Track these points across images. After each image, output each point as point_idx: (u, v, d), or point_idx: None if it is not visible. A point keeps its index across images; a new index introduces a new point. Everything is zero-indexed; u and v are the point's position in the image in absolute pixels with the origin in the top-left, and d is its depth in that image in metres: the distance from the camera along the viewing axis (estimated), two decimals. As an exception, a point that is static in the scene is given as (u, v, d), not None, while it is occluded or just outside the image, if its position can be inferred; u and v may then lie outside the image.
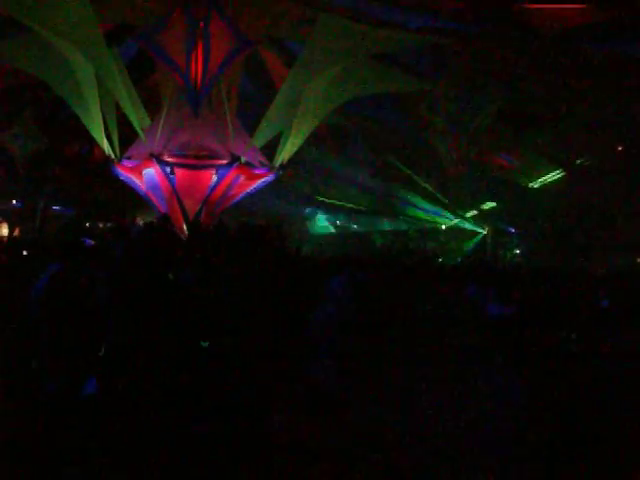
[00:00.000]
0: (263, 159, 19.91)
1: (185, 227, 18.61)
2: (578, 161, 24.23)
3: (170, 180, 18.75)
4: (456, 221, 28.76)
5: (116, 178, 20.19)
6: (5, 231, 28.17)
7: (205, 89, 16.20)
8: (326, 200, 29.20)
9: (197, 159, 19.10)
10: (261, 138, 19.52)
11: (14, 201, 28.24)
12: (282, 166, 19.96)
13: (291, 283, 8.00)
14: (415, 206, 28.28)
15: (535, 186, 26.39)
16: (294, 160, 20.84)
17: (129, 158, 19.51)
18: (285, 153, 19.70)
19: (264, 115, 18.93)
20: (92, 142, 20.19)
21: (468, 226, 28.65)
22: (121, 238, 16.37)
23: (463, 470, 3.30)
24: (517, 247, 29.01)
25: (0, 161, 24.33)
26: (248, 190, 20.30)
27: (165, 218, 17.35)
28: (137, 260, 9.58)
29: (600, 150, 22.85)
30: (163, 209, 19.36)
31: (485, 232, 28.41)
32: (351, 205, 29.17)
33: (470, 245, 28.80)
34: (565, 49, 16.05)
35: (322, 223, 31.12)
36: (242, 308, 6.80)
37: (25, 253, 12.74)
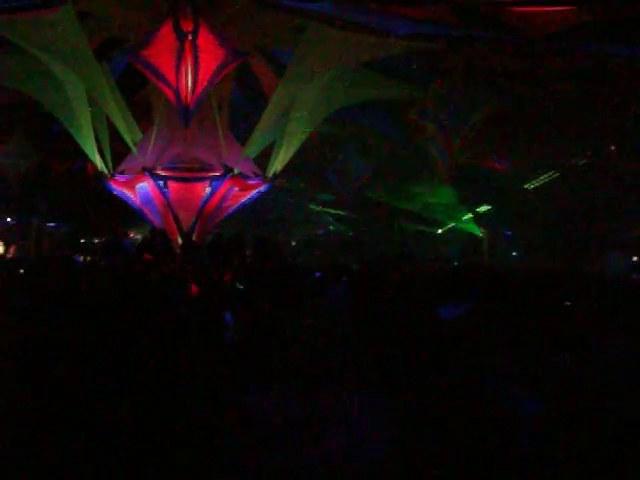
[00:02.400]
0: (256, 169, 19.90)
1: (180, 240, 18.60)
2: (572, 162, 24.24)
3: (164, 193, 18.73)
4: (450, 225, 28.81)
5: (110, 193, 20.17)
6: (0, 249, 28.14)
7: (195, 103, 16.18)
8: (320, 208, 29.24)
9: (190, 172, 19.10)
10: (254, 148, 19.53)
11: (8, 219, 28.24)
12: (275, 176, 19.96)
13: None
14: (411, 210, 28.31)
15: (530, 187, 26.38)
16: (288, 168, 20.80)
17: (122, 173, 19.49)
18: (278, 163, 19.70)
19: (256, 125, 18.96)
20: (85, 158, 20.16)
21: (466, 228, 28.61)
22: (111, 253, 16.45)
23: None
24: (513, 249, 29.04)
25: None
26: (242, 201, 20.29)
27: (161, 232, 17.40)
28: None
29: (593, 150, 22.91)
30: (157, 223, 19.35)
31: (481, 235, 28.42)
32: (344, 212, 29.21)
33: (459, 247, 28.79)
34: (555, 51, 16.07)
35: None
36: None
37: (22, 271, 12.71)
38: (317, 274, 12.21)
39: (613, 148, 22.96)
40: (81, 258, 18.07)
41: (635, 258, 25.06)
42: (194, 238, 18.49)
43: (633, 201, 22.20)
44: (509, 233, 28.70)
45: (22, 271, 12.49)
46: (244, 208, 21.07)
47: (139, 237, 24.56)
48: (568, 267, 22.02)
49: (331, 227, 31.42)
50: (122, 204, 20.66)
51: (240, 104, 22.25)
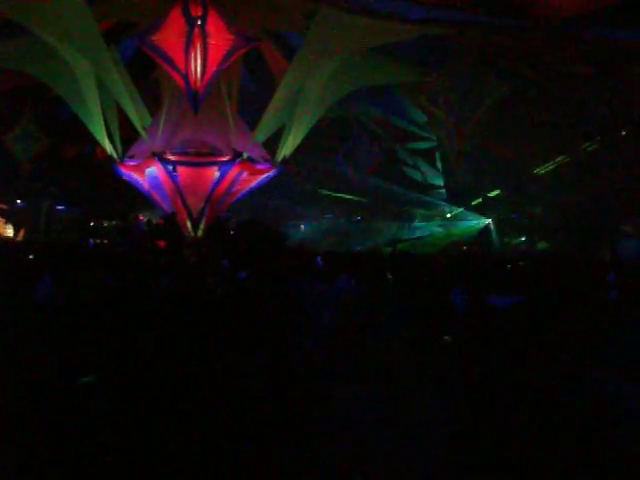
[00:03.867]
0: (265, 154, 19.86)
1: (189, 225, 18.65)
2: (583, 147, 24.07)
3: (173, 178, 18.74)
4: (459, 210, 28.75)
5: (119, 177, 20.18)
6: (10, 232, 28.22)
7: (205, 88, 16.13)
8: (329, 193, 29.14)
9: (199, 156, 19.10)
10: (263, 133, 19.47)
11: (18, 201, 28.29)
12: (284, 161, 19.92)
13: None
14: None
15: (540, 173, 26.21)
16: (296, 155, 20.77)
17: (131, 157, 19.50)
18: (287, 147, 19.65)
19: (265, 110, 18.89)
20: (94, 142, 20.17)
21: (471, 216, 28.63)
22: (125, 236, 16.61)
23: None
24: (522, 234, 28.97)
25: (3, 162, 24.31)
26: (251, 185, 20.28)
27: (172, 216, 17.49)
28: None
29: (602, 136, 22.75)
30: (167, 207, 19.39)
31: (490, 220, 28.34)
32: (354, 197, 29.09)
33: (474, 233, 28.74)
34: (565, 37, 15.95)
35: None
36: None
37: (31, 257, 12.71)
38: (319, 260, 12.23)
39: (623, 133, 22.79)
40: (92, 241, 18.10)
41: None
42: (204, 223, 18.59)
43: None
44: (518, 217, 28.61)
45: (32, 257, 12.56)
46: (253, 192, 21.07)
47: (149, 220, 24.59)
48: (579, 252, 22.03)
49: (339, 211, 31.34)
50: (131, 188, 20.70)
51: (249, 89, 22.16)
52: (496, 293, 6.83)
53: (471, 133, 21.37)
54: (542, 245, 27.70)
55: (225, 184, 19.03)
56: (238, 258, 10.77)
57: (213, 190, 18.86)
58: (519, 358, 5.10)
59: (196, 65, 16.05)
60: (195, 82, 15.96)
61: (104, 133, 18.90)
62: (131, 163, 19.50)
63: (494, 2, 15.69)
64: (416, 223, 30.12)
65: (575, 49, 17.00)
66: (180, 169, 18.81)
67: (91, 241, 17.58)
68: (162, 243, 14.38)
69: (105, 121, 18.72)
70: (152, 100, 20.32)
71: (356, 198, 29.11)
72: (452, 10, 16.35)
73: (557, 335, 5.57)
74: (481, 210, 28.43)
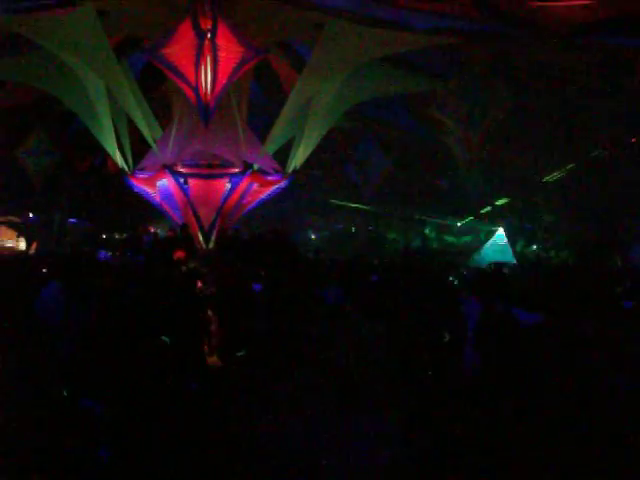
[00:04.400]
0: (276, 165, 19.92)
1: (201, 237, 18.70)
2: (593, 154, 24.00)
3: (184, 190, 18.84)
4: (469, 219, 28.73)
5: (130, 189, 20.28)
6: (23, 245, 28.40)
7: (215, 101, 16.15)
8: (339, 203, 29.17)
9: (210, 168, 19.20)
10: (273, 144, 19.53)
11: (30, 214, 28.47)
12: (295, 172, 19.97)
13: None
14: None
15: (550, 180, 26.16)
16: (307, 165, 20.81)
17: (142, 170, 19.60)
18: (297, 159, 19.71)
19: (275, 121, 18.95)
20: (105, 154, 20.30)
21: (481, 225, 28.59)
22: (134, 248, 16.71)
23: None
24: (533, 243, 28.91)
25: (16, 176, 24.46)
26: (262, 197, 20.35)
27: (185, 228, 17.59)
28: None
29: (613, 143, 22.69)
30: (178, 219, 19.48)
31: (500, 229, 28.27)
32: (364, 207, 29.09)
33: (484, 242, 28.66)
34: (575, 45, 15.92)
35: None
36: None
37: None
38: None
39: (634, 140, 22.72)
40: (108, 254, 18.20)
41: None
42: (214, 235, 18.66)
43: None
44: (530, 227, 28.56)
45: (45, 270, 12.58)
46: (264, 203, 21.14)
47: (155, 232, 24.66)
48: (590, 260, 21.96)
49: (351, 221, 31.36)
50: (142, 200, 20.80)
51: (259, 100, 22.22)
52: (519, 306, 6.72)
53: (481, 142, 21.30)
54: (552, 253, 27.65)
55: (236, 196, 19.11)
56: (252, 269, 10.80)
57: (224, 202, 18.94)
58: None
59: (206, 78, 16.08)
60: (205, 95, 15.99)
61: (115, 146, 19.04)
62: (142, 176, 19.63)
63: (501, 13, 15.65)
64: (427, 233, 30.15)
65: (584, 58, 16.99)
66: (191, 181, 18.94)
67: (102, 253, 17.61)
68: (180, 254, 14.46)
69: (116, 134, 18.85)
70: (162, 113, 20.43)
71: (367, 208, 29.14)
72: (461, 20, 16.34)
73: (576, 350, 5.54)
74: (491, 219, 28.39)
